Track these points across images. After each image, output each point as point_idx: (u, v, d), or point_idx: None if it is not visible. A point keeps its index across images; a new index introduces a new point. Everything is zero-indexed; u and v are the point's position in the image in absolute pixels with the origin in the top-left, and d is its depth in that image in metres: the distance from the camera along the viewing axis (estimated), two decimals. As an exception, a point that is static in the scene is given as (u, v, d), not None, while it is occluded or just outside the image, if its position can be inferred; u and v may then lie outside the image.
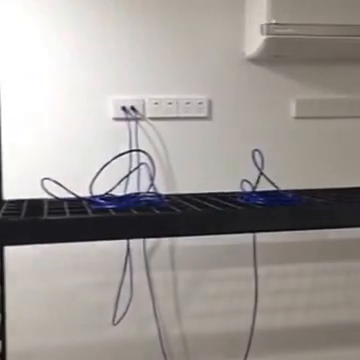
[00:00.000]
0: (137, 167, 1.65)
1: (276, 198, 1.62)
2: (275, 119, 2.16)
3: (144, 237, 1.69)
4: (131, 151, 1.79)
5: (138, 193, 1.68)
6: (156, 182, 1.67)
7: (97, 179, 1.60)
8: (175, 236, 1.79)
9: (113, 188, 1.59)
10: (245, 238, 2.03)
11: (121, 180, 1.59)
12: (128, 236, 1.44)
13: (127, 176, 1.66)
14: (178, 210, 1.44)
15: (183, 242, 2.06)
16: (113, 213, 1.40)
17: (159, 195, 1.60)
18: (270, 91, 2.15)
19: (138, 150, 1.79)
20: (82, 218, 1.34)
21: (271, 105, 2.16)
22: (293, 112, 2.17)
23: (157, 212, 1.42)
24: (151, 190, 1.58)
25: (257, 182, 1.62)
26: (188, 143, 2.09)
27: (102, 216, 1.37)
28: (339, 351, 2.25)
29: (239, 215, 1.45)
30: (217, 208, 1.47)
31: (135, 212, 1.40)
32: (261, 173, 1.60)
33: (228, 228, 1.43)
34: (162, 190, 1.88)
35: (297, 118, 2.18)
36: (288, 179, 1.92)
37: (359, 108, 2.23)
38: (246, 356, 2.12)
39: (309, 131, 2.19)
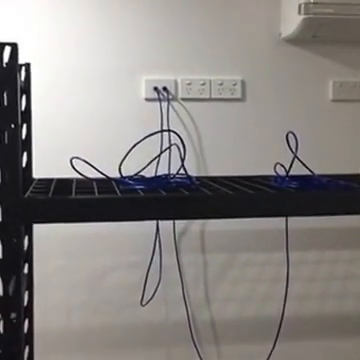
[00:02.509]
0: (167, 148, 1.62)
1: (310, 182, 1.57)
2: (311, 102, 2.11)
3: (172, 219, 1.67)
4: (160, 131, 1.76)
5: (168, 175, 1.66)
6: (187, 164, 1.63)
7: (128, 160, 1.57)
8: (204, 218, 1.76)
9: (143, 169, 1.56)
10: (277, 223, 1.99)
11: (151, 161, 1.56)
12: (156, 217, 1.42)
13: (157, 157, 1.63)
14: (208, 192, 1.42)
15: (213, 226, 2.04)
16: (142, 194, 1.38)
17: (189, 177, 1.57)
18: (307, 73, 2.10)
19: (169, 130, 1.76)
20: (110, 198, 1.32)
21: (307, 87, 2.10)
22: (330, 95, 2.12)
23: (186, 194, 1.39)
24: (181, 172, 1.55)
25: (291, 166, 1.57)
26: (221, 125, 2.06)
27: (130, 196, 1.35)
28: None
29: (271, 199, 1.40)
30: (248, 191, 1.43)
31: (164, 193, 1.38)
32: (295, 156, 1.55)
33: (259, 212, 1.39)
34: (193, 172, 1.86)
35: (334, 101, 2.12)
36: (324, 163, 1.89)
37: None
38: (275, 342, 2.09)
39: (347, 114, 2.13)
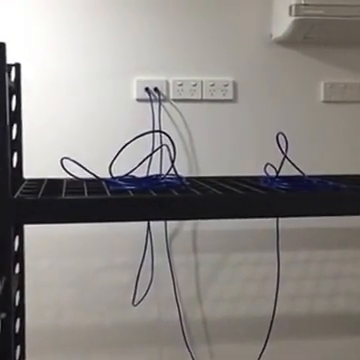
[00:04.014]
0: (157, 149, 1.63)
1: (300, 183, 1.58)
2: (303, 103, 2.11)
3: (161, 219, 1.68)
4: (150, 132, 1.76)
5: (159, 175, 1.66)
6: (179, 165, 1.63)
7: (119, 161, 1.58)
8: (193, 219, 1.77)
9: (133, 170, 1.56)
10: (269, 223, 2.00)
11: (141, 162, 1.56)
12: (145, 218, 1.43)
13: (147, 158, 1.63)
14: (198, 193, 1.42)
15: (205, 226, 2.05)
16: (131, 194, 1.38)
17: (180, 177, 1.57)
18: (298, 74, 2.10)
19: (158, 131, 1.77)
20: (99, 198, 1.32)
21: (299, 89, 2.11)
22: (321, 96, 2.12)
23: (176, 194, 1.40)
24: (171, 172, 1.56)
25: (280, 166, 1.58)
26: (212, 126, 2.06)
27: (119, 197, 1.35)
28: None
29: (260, 199, 1.41)
30: (238, 192, 1.44)
31: (154, 194, 1.39)
32: (285, 157, 1.56)
33: (248, 213, 1.40)
34: (185, 173, 1.86)
35: (325, 102, 2.13)
36: (315, 165, 1.90)
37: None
38: (266, 341, 2.09)
39: (338, 116, 2.14)
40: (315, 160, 2.06)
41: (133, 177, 1.62)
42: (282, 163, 1.56)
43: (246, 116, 2.08)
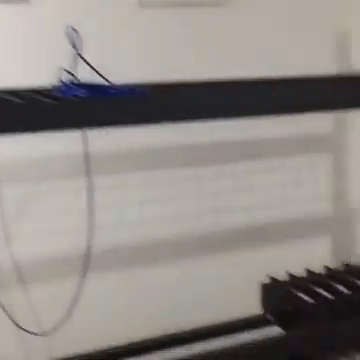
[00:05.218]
0: None
1: (103, 91, 1.36)
2: (114, 6, 1.85)
3: None
4: None
5: None
6: None
7: None
8: None
9: None
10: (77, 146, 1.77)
11: None
12: None
13: None
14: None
15: (7, 155, 1.75)
16: None
17: None
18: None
19: None
20: None
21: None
22: (135, -1, 1.89)
23: None
24: None
25: (74, 68, 1.33)
26: (1, 31, 1.74)
27: None
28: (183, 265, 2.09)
29: (48, 110, 1.19)
30: (20, 103, 1.21)
31: None
32: (78, 54, 1.32)
33: (31, 127, 1.17)
34: None
35: (142, 6, 1.89)
36: (127, 74, 1.69)
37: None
38: (84, 276, 1.89)
39: (155, 22, 1.92)
40: (128, 69, 1.83)
41: None
42: (75, 62, 1.32)
43: (42, 19, 1.78)
